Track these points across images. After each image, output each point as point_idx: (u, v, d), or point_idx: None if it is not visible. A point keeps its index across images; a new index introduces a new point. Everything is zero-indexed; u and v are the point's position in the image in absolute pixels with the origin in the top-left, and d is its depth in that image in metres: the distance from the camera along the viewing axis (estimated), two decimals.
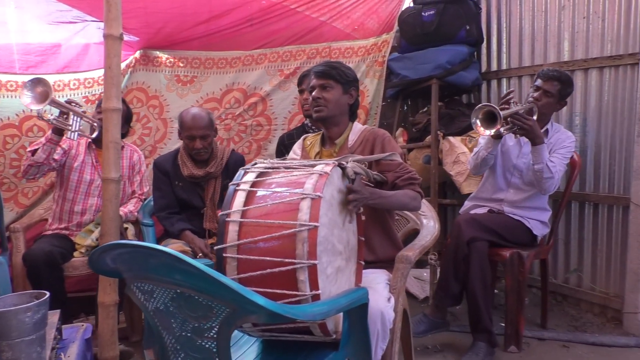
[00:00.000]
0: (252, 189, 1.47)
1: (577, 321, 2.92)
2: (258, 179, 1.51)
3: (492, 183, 2.74)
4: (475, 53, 3.46)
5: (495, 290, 3.17)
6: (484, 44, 3.43)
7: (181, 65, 3.63)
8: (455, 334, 2.74)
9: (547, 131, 2.65)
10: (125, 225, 2.73)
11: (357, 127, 2.06)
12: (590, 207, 2.94)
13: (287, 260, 1.34)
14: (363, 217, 1.95)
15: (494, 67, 3.38)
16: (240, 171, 1.54)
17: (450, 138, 3.17)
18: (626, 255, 2.69)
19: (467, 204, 2.86)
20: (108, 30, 2.12)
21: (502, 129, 2.39)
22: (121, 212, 2.71)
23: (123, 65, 3.57)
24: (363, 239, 1.80)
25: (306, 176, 1.46)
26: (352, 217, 1.73)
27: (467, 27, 3.21)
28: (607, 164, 2.84)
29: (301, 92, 2.91)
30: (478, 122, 2.30)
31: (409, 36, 3.40)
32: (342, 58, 3.61)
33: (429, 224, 2.19)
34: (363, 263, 1.78)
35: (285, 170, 1.54)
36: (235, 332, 1.65)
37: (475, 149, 2.67)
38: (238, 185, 1.49)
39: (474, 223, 2.50)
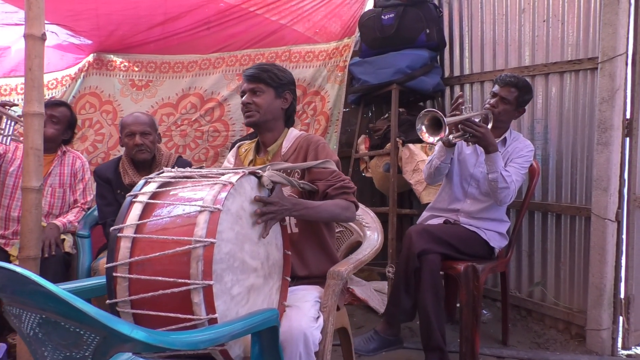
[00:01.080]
0: (150, 200, 1.33)
1: (541, 338, 2.79)
2: (160, 189, 1.37)
3: (448, 193, 2.62)
4: (438, 58, 3.36)
5: (458, 304, 3.04)
6: (447, 49, 3.32)
7: (136, 69, 3.51)
8: (409, 351, 2.60)
9: (505, 139, 2.53)
10: (62, 237, 2.59)
11: (293, 134, 1.94)
12: (552, 217, 2.82)
13: (180, 280, 1.20)
14: (296, 229, 1.84)
15: (457, 72, 3.28)
16: (142, 181, 1.41)
17: (410, 145, 3.05)
18: (588, 269, 2.57)
19: (425, 214, 2.73)
20: (29, 30, 2.00)
21: (451, 137, 2.28)
22: (59, 223, 2.58)
23: (75, 69, 3.46)
24: (289, 253, 1.67)
25: (210, 186, 1.33)
26: (275, 230, 1.60)
27: (427, 31, 3.10)
28: (569, 173, 2.73)
29: None
30: (423, 128, 2.18)
31: (368, 40, 3.29)
32: (302, 62, 3.50)
33: (371, 236, 2.06)
34: (289, 279, 1.65)
35: (192, 179, 1.41)
36: (139, 358, 1.52)
37: (429, 157, 2.55)
38: (135, 196, 1.35)
39: (426, 234, 2.37)
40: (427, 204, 2.83)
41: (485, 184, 2.46)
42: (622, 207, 2.49)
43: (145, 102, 3.47)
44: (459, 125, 2.27)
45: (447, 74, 3.34)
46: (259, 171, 1.50)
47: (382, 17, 3.20)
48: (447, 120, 2.11)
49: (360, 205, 2.19)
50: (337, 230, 2.22)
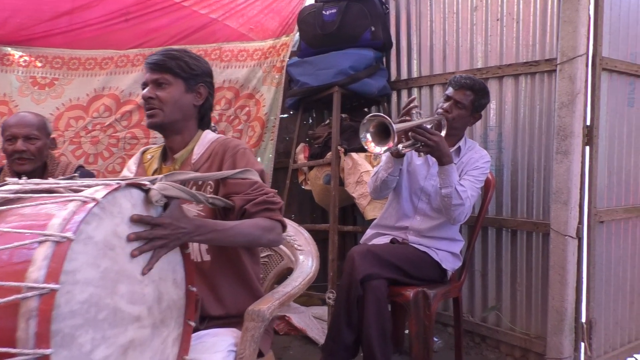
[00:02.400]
0: None
1: None
2: None
3: (396, 208, 2.32)
4: (385, 59, 3.08)
5: (406, 331, 2.73)
6: (393, 49, 3.05)
7: (39, 65, 3.02)
8: None
9: (459, 149, 2.26)
10: None
11: (208, 137, 1.57)
12: (507, 233, 2.58)
13: (0, 349, 0.80)
14: (208, 257, 1.46)
15: (404, 75, 3.01)
16: None
17: (353, 154, 2.74)
18: (547, 291, 2.33)
19: (369, 232, 2.41)
20: None
21: (400, 146, 1.97)
22: None
23: None
24: (194, 289, 1.28)
25: (62, 205, 0.93)
26: (174, 261, 1.22)
27: (372, 29, 2.82)
28: (525, 184, 2.50)
29: None
30: (369, 136, 1.85)
31: (308, 37, 2.97)
32: (235, 61, 3.13)
33: (305, 262, 1.70)
34: (193, 324, 1.27)
35: (43, 196, 1.00)
36: None
37: (375, 169, 2.24)
38: None
39: (371, 256, 2.04)
40: (373, 220, 2.52)
41: (437, 198, 2.17)
42: (583, 223, 2.26)
43: (49, 103, 2.98)
44: (410, 133, 1.97)
45: (393, 76, 3.06)
46: (146, 183, 1.11)
47: (324, 12, 2.89)
48: (395, 127, 1.81)
49: (292, 224, 1.85)
50: (264, 255, 1.85)
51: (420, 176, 2.27)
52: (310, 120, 3.51)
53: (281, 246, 1.83)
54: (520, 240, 2.52)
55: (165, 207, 1.17)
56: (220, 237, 1.28)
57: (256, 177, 1.44)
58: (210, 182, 1.46)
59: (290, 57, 3.12)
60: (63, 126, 2.96)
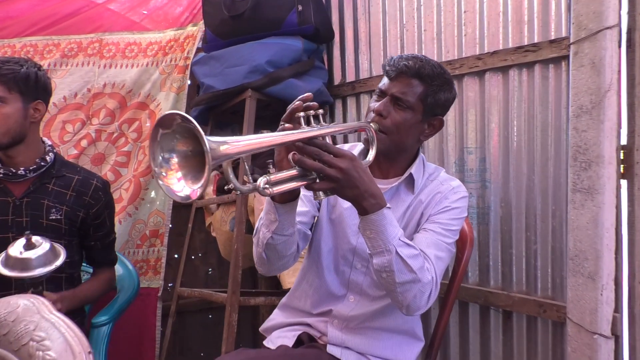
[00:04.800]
0: None
1: None
2: None
3: (314, 283, 1.40)
4: (326, 56, 2.23)
5: None
6: (337, 43, 2.19)
7: None
8: None
9: (410, 178, 1.36)
10: None
11: None
12: (498, 315, 1.67)
13: None
14: None
15: (352, 76, 2.14)
16: None
17: None
18: None
19: (274, 317, 1.50)
20: None
21: (262, 182, 1.01)
22: None
23: None
24: None
25: None
26: None
27: (300, 8, 1.97)
28: (524, 240, 1.60)
29: None
30: (175, 161, 0.89)
31: (215, 24, 2.12)
32: (121, 59, 2.29)
33: None
34: None
35: None
36: None
37: (257, 223, 1.32)
38: None
39: None
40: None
41: None
42: (621, 310, 1.36)
43: None
44: (291, 155, 1.06)
45: (337, 79, 2.20)
46: None
47: None
48: (246, 143, 0.92)
49: (48, 316, 0.97)
50: None
51: (351, 229, 1.36)
52: None
53: None
54: (517, 328, 1.60)
55: None
56: None
57: None
58: None
59: (197, 53, 2.28)
60: None
